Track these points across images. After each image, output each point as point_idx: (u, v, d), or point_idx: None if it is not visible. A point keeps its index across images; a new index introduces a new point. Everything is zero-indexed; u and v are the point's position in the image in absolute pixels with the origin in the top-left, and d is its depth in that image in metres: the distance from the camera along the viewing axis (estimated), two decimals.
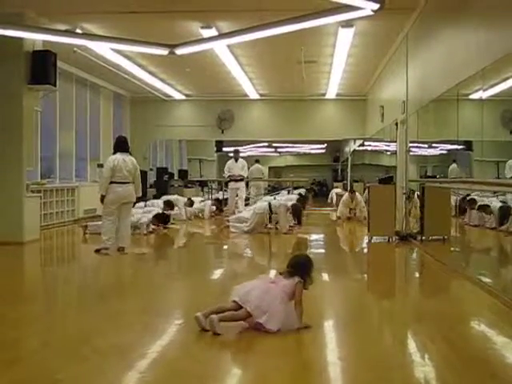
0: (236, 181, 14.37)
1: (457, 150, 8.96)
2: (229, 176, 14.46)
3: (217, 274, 7.58)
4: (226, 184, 15.15)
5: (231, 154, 15.19)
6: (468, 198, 9.06)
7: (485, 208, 8.82)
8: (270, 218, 11.56)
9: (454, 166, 9.60)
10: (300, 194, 14.83)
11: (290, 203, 11.83)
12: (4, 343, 4.01)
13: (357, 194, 14.51)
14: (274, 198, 12.48)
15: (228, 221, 12.17)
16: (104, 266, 8.04)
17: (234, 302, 4.26)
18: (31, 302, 5.60)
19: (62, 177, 13.88)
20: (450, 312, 5.21)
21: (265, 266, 8.33)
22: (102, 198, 8.50)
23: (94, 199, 12.01)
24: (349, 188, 15.69)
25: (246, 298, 4.21)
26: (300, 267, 4.42)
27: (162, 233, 11.50)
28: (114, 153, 8.64)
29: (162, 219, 11.76)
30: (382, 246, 9.77)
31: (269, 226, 11.60)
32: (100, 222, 9.18)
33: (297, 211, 11.64)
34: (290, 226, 11.72)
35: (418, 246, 9.32)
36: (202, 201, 15.87)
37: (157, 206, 12.96)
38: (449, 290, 6.65)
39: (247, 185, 19.84)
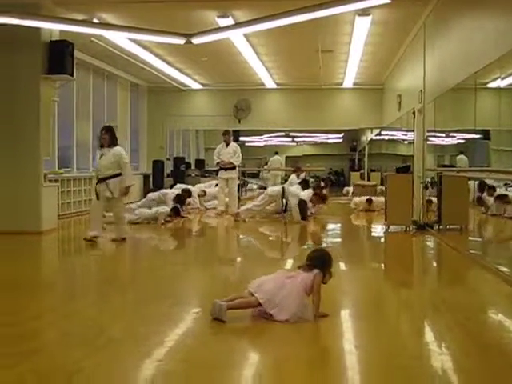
0: (225, 169, 12.36)
1: (474, 139, 8.90)
2: (217, 163, 12.52)
3: (232, 263, 7.59)
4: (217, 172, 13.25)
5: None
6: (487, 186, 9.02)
7: (503, 198, 8.76)
8: (285, 207, 11.59)
9: (461, 156, 9.57)
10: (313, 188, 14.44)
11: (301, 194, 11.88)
12: (24, 333, 4.04)
13: (374, 199, 13.82)
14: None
15: (237, 214, 11.77)
16: (121, 255, 8.09)
17: (249, 292, 4.29)
18: (50, 292, 5.65)
19: (79, 166, 13.97)
20: (468, 301, 5.18)
21: (277, 257, 8.35)
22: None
23: None
24: (367, 197, 14.21)
25: (259, 289, 4.24)
26: (319, 261, 4.41)
27: (178, 223, 11.52)
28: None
29: (177, 212, 11.73)
30: (399, 236, 9.73)
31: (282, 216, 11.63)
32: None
33: (301, 208, 11.50)
34: (308, 215, 11.68)
35: (436, 235, 9.27)
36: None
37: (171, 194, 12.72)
38: (466, 280, 6.62)
39: (255, 175, 19.78)
